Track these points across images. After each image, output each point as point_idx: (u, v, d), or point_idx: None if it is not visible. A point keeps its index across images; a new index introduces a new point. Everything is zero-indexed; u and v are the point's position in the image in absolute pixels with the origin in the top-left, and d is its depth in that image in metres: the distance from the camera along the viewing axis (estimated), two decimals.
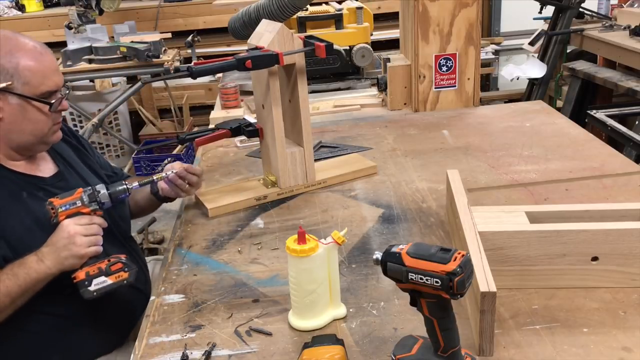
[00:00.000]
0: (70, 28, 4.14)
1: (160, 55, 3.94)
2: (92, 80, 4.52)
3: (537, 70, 3.98)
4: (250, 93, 2.49)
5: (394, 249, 1.01)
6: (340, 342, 1.15)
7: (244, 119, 2.03)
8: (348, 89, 2.98)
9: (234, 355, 1.19)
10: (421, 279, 0.97)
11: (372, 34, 3.09)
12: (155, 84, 4.91)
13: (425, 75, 2.52)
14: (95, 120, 4.03)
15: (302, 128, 1.81)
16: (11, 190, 1.48)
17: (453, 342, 1.03)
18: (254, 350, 1.20)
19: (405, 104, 2.64)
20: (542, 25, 4.33)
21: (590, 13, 4.14)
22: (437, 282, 0.95)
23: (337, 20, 2.98)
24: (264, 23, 1.79)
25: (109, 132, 4.54)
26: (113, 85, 4.83)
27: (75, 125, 4.54)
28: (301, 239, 1.20)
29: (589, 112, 3.30)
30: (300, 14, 2.93)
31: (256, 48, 1.70)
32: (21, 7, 5.23)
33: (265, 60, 1.66)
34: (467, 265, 0.96)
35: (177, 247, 1.62)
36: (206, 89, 4.99)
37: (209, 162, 2.21)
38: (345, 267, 1.46)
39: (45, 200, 1.43)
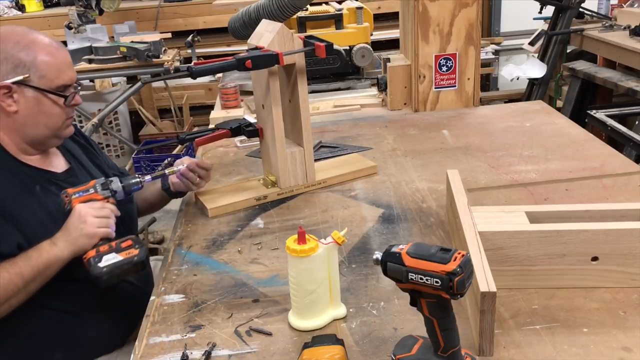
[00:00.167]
0: (70, 28, 4.14)
1: (160, 55, 3.94)
2: (92, 80, 4.52)
3: (537, 70, 3.98)
4: (250, 93, 2.49)
5: (394, 249, 1.01)
6: (340, 342, 1.15)
7: (244, 119, 2.03)
8: (348, 89, 2.98)
9: (234, 355, 1.19)
10: (421, 279, 0.97)
11: (372, 34, 3.09)
12: (155, 84, 4.91)
13: (425, 75, 2.52)
14: (95, 120, 4.02)
15: (302, 128, 1.81)
16: (25, 184, 1.51)
17: (453, 342, 1.03)
18: (254, 350, 1.20)
19: (405, 104, 2.64)
20: (542, 25, 4.33)
21: (590, 13, 4.14)
22: (437, 282, 0.95)
23: (337, 20, 2.98)
24: (264, 23, 1.79)
25: (109, 132, 4.54)
26: (113, 85, 4.84)
27: (75, 126, 4.53)
28: (301, 239, 1.20)
29: (589, 112, 3.30)
30: (300, 14, 2.93)
31: (256, 48, 1.70)
32: (21, 7, 5.23)
33: (265, 60, 1.66)
34: (467, 265, 0.96)
35: (177, 247, 1.62)
36: (206, 89, 4.99)
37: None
38: (345, 267, 1.46)
39: (57, 194, 1.48)
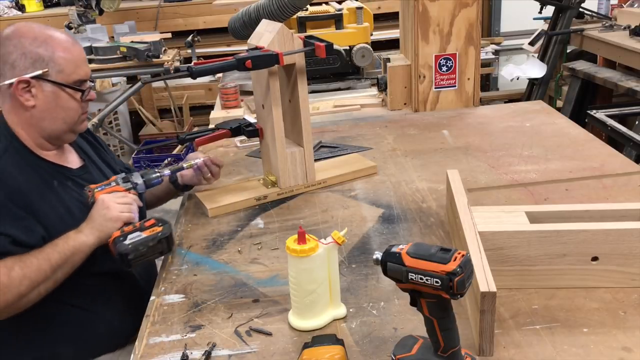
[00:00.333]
0: (70, 28, 4.15)
1: (160, 55, 3.94)
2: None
3: (537, 70, 3.98)
4: (250, 93, 2.49)
5: (394, 249, 1.01)
6: (340, 342, 1.15)
7: (244, 119, 2.03)
8: (348, 89, 2.98)
9: (234, 355, 1.19)
10: (421, 279, 0.97)
11: (372, 34, 3.09)
12: (155, 84, 4.91)
13: (425, 75, 2.52)
14: (95, 120, 4.02)
15: (302, 128, 1.81)
16: (44, 178, 1.52)
17: (453, 342, 1.03)
18: (254, 350, 1.20)
19: (405, 104, 2.64)
20: (542, 25, 4.34)
21: (590, 13, 4.14)
22: (437, 282, 0.95)
23: (337, 20, 2.98)
24: (264, 23, 1.79)
25: (109, 132, 4.54)
26: (113, 85, 4.84)
27: None
28: (301, 239, 1.20)
29: (589, 112, 3.31)
30: (300, 14, 2.93)
31: (256, 48, 1.70)
32: (21, 7, 5.23)
33: (265, 60, 1.66)
34: (467, 265, 0.96)
35: (177, 247, 1.62)
36: (206, 89, 4.99)
37: None
38: (345, 267, 1.46)
39: (74, 190, 1.54)
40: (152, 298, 1.41)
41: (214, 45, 5.15)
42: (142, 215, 1.64)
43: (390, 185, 1.90)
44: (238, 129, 1.87)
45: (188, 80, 4.83)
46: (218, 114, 2.62)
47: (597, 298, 1.27)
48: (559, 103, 4.14)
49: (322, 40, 1.71)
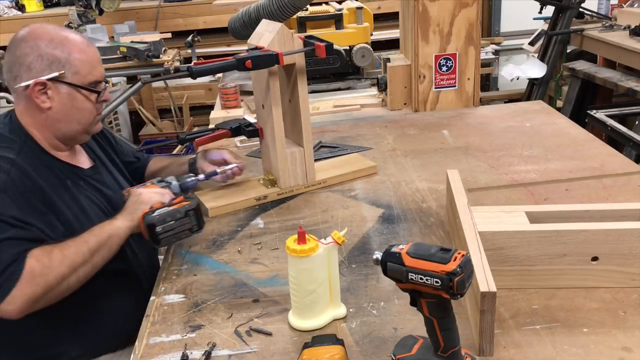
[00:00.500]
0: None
1: (160, 55, 3.94)
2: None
3: (537, 70, 3.98)
4: (250, 93, 2.49)
5: (394, 249, 1.01)
6: (340, 342, 1.15)
7: (244, 119, 2.03)
8: (348, 89, 2.98)
9: (234, 355, 1.19)
10: (421, 279, 0.97)
11: (372, 34, 3.09)
12: (155, 84, 4.91)
13: (425, 75, 2.52)
14: None
15: (302, 128, 1.81)
16: (59, 177, 1.53)
17: (453, 342, 1.03)
18: (254, 350, 1.20)
19: (405, 104, 2.64)
20: (542, 25, 4.33)
21: (590, 13, 4.14)
22: (437, 282, 0.95)
23: (337, 20, 2.98)
24: (264, 23, 1.79)
25: None
26: (113, 85, 4.83)
27: None
28: (301, 239, 1.20)
29: (589, 112, 3.31)
30: (300, 14, 2.93)
31: (256, 48, 1.70)
32: (21, 7, 5.23)
33: (265, 60, 1.66)
34: (467, 265, 0.96)
35: (177, 247, 1.62)
36: (206, 89, 4.98)
37: None
38: (345, 267, 1.46)
39: (87, 189, 1.58)
40: (152, 298, 1.41)
41: (214, 45, 5.14)
42: None
43: (390, 185, 1.90)
44: (238, 129, 1.87)
45: (188, 80, 4.82)
46: (218, 114, 2.62)
47: (597, 298, 1.27)
48: (559, 103, 4.14)
49: (322, 40, 1.71)
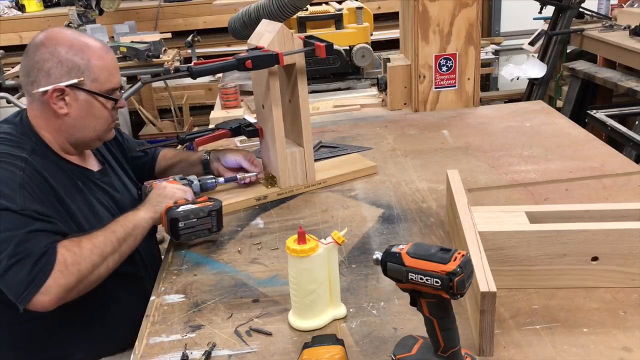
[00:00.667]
0: (70, 28, 4.14)
1: (160, 55, 3.94)
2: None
3: (537, 70, 3.98)
4: (250, 93, 2.49)
5: (394, 249, 1.01)
6: (340, 342, 1.15)
7: (244, 119, 2.03)
8: (348, 89, 2.98)
9: (234, 355, 1.19)
10: (421, 279, 0.97)
11: (372, 34, 3.09)
12: (155, 84, 4.91)
13: (425, 75, 2.52)
14: None
15: (302, 128, 1.81)
16: (70, 178, 1.54)
17: (453, 342, 1.03)
18: (254, 350, 1.20)
19: (405, 104, 2.64)
20: (542, 25, 4.33)
21: (590, 13, 4.14)
22: (437, 282, 0.95)
23: (337, 20, 2.98)
24: (264, 23, 1.79)
25: None
26: None
27: None
28: (301, 239, 1.20)
29: (589, 112, 3.30)
30: (300, 14, 2.93)
31: (256, 48, 1.70)
32: (21, 7, 5.23)
33: (265, 60, 1.66)
34: (467, 265, 0.96)
35: (177, 247, 1.62)
36: (206, 89, 4.99)
37: None
38: (345, 267, 1.46)
39: (97, 192, 1.60)
40: (152, 298, 1.41)
41: (214, 45, 5.14)
42: None
43: (390, 185, 1.90)
44: (238, 129, 1.87)
45: (188, 80, 4.82)
46: (218, 114, 2.62)
47: (597, 298, 1.27)
48: (559, 103, 4.14)
49: (322, 40, 1.71)
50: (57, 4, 5.34)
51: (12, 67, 4.03)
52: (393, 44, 3.76)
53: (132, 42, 3.98)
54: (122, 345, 1.60)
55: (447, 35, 2.45)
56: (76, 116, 1.52)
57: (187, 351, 1.20)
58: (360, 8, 3.00)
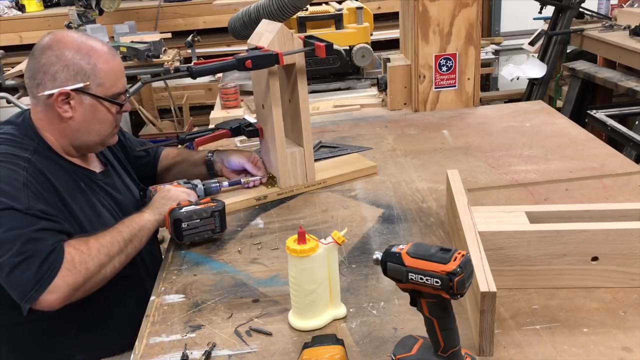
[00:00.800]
0: (70, 28, 4.14)
1: (160, 55, 3.94)
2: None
3: (537, 70, 3.98)
4: (250, 93, 2.49)
5: (394, 249, 1.01)
6: (340, 342, 1.15)
7: (244, 119, 2.03)
8: (348, 89, 2.98)
9: (234, 355, 1.19)
10: (421, 279, 0.97)
11: (372, 34, 3.09)
12: (155, 84, 4.91)
13: (425, 75, 2.52)
14: None
15: (302, 128, 1.81)
16: (72, 179, 1.55)
17: (453, 342, 1.03)
18: (254, 350, 1.20)
19: (405, 104, 2.64)
20: (542, 25, 4.33)
21: (590, 13, 4.14)
22: (437, 282, 0.95)
23: (337, 20, 2.98)
24: (264, 23, 1.79)
25: None
26: None
27: None
28: (301, 239, 1.20)
29: (589, 112, 3.30)
30: (300, 14, 2.93)
31: (256, 48, 1.70)
32: (21, 7, 5.23)
33: (265, 60, 1.66)
34: (467, 265, 0.96)
35: (177, 247, 1.62)
36: (206, 89, 4.98)
37: None
38: (345, 267, 1.46)
39: (99, 193, 1.60)
40: (152, 298, 1.41)
41: (214, 45, 5.14)
42: None
43: (390, 185, 1.90)
44: (238, 129, 1.87)
45: (188, 80, 4.82)
46: (218, 114, 2.62)
47: (597, 298, 1.27)
48: (559, 103, 4.14)
49: (322, 40, 1.71)
50: (57, 4, 5.34)
51: (12, 67, 4.03)
52: (393, 44, 3.76)
53: (132, 42, 3.98)
54: (122, 346, 1.60)
55: (447, 35, 2.45)
56: (80, 120, 1.52)
57: (187, 351, 1.20)
58: (360, 8, 3.00)
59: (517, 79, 4.05)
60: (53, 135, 1.53)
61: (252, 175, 1.85)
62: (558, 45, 4.04)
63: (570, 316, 1.22)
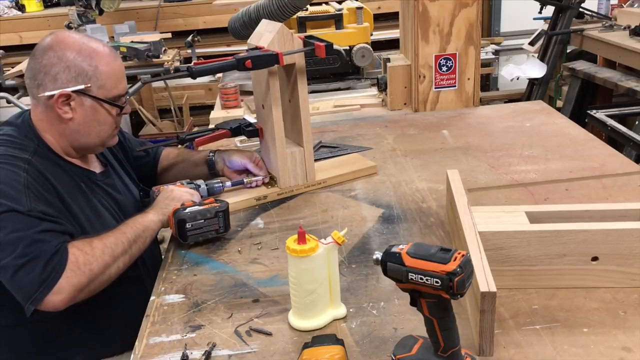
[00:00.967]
0: (70, 28, 4.14)
1: (160, 55, 3.94)
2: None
3: (537, 70, 3.98)
4: (250, 93, 2.49)
5: (394, 249, 1.01)
6: (340, 342, 1.15)
7: (244, 119, 2.03)
8: (348, 89, 2.98)
9: (234, 355, 1.19)
10: (421, 279, 0.97)
11: (372, 34, 3.09)
12: (155, 84, 4.91)
13: (425, 75, 2.52)
14: None
15: (302, 128, 1.81)
16: (72, 180, 1.55)
17: (453, 342, 1.03)
18: (254, 350, 1.20)
19: (405, 104, 2.64)
20: (542, 25, 4.33)
21: (590, 13, 4.14)
22: (437, 282, 0.95)
23: (337, 20, 2.98)
24: (264, 23, 1.79)
25: None
26: None
27: None
28: (301, 239, 1.20)
29: (589, 112, 3.30)
30: (300, 14, 2.92)
31: (256, 48, 1.70)
32: (21, 7, 5.23)
33: (265, 60, 1.66)
34: (467, 265, 0.96)
35: (177, 247, 1.62)
36: (206, 89, 4.99)
37: None
38: (345, 267, 1.46)
39: (99, 193, 1.60)
40: (152, 298, 1.41)
41: (214, 45, 5.14)
42: None
43: (390, 185, 1.90)
44: (238, 129, 1.87)
45: (188, 80, 4.82)
46: (218, 114, 2.62)
47: (597, 298, 1.27)
48: (559, 103, 4.14)
49: (322, 40, 1.71)
50: (57, 4, 5.34)
51: (12, 67, 4.03)
52: (393, 44, 3.76)
53: (132, 42, 3.98)
54: (122, 346, 1.60)
55: (447, 35, 2.45)
56: (81, 121, 1.52)
57: (187, 351, 1.20)
58: (360, 8, 3.00)
59: (517, 79, 4.05)
60: (53, 136, 1.53)
61: (254, 175, 1.85)
62: (558, 45, 4.04)
63: (570, 316, 1.22)
